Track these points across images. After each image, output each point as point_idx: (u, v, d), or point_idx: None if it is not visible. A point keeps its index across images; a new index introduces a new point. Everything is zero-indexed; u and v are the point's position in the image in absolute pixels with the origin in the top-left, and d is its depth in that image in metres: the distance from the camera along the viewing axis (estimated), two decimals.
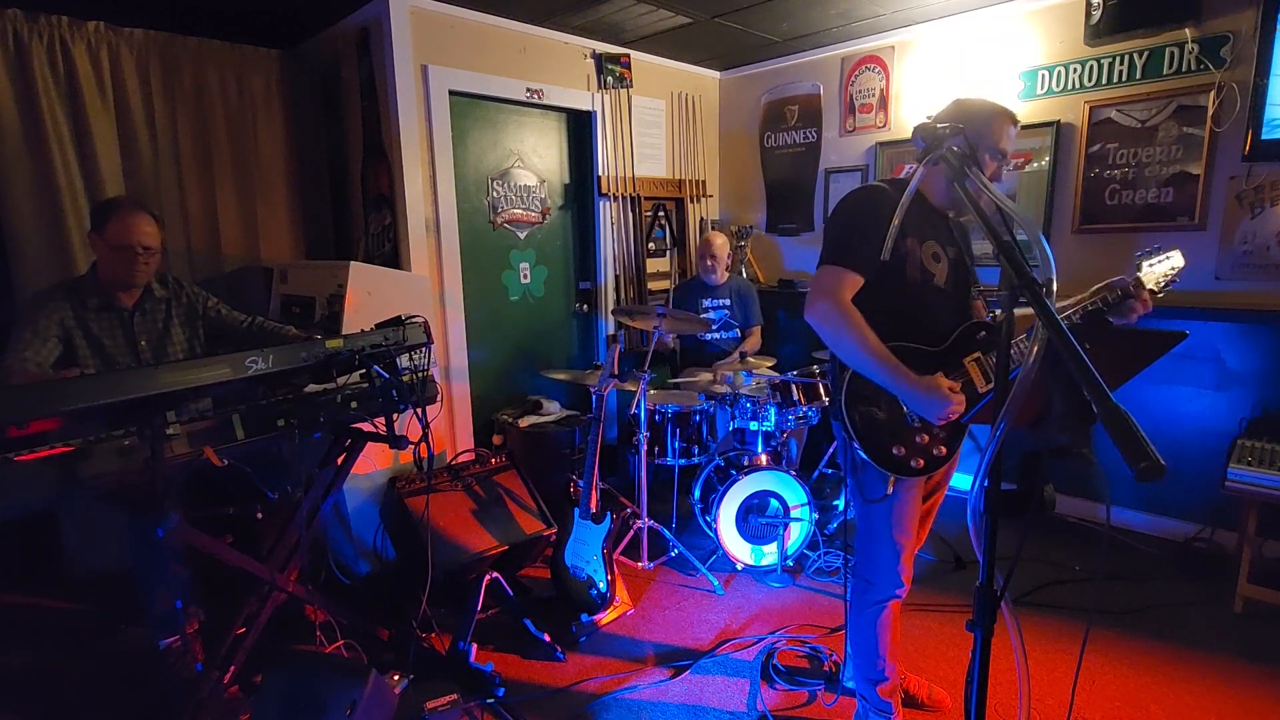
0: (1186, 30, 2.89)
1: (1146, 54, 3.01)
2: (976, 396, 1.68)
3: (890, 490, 1.72)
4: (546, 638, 2.42)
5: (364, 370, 1.90)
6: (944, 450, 1.70)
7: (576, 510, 2.64)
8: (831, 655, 2.34)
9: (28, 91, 2.74)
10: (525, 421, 3.57)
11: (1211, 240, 2.96)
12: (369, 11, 3.18)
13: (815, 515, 2.92)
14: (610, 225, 4.09)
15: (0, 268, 2.81)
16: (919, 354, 1.66)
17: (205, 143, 3.27)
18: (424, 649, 2.34)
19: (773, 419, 2.99)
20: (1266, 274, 2.86)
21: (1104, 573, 2.90)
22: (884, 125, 3.91)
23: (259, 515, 2.21)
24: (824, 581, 2.87)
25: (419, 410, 1.95)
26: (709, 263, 3.66)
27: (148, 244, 2.15)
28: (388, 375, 1.89)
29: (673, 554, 3.02)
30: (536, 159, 3.87)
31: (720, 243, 3.68)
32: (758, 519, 2.90)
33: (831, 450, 3.37)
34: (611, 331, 4.20)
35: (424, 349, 2.03)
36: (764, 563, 2.91)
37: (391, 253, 3.35)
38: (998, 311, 1.14)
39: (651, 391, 3.18)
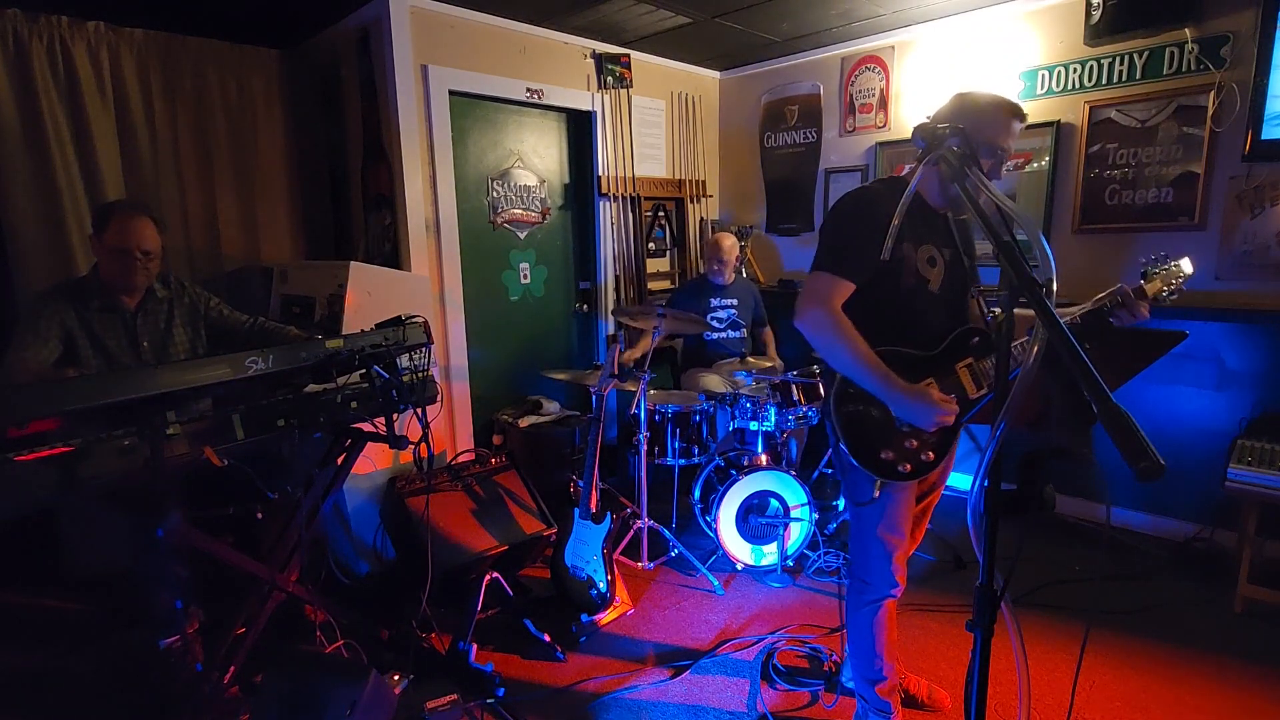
0: (1186, 30, 2.89)
1: (1146, 54, 3.01)
2: (968, 403, 1.69)
3: (877, 494, 1.72)
4: (546, 638, 2.42)
5: (364, 370, 1.90)
6: (932, 455, 1.70)
7: (576, 510, 2.64)
8: (831, 655, 2.34)
9: (28, 91, 2.74)
10: (525, 421, 3.57)
11: (1211, 240, 2.96)
12: (369, 11, 3.18)
13: (815, 515, 2.92)
14: (610, 225, 4.09)
15: (0, 268, 2.81)
16: (910, 359, 1.67)
17: (205, 143, 3.27)
18: (424, 649, 2.33)
19: (773, 419, 2.99)
20: (1266, 274, 2.86)
21: (1104, 573, 2.90)
22: (884, 125, 3.91)
23: (259, 515, 2.21)
24: (824, 581, 2.87)
25: (419, 410, 1.95)
26: (717, 265, 3.66)
27: (147, 248, 2.15)
28: (388, 375, 1.89)
29: (673, 554, 3.02)
30: (536, 159, 3.87)
31: (729, 244, 3.69)
32: (758, 519, 2.90)
33: (831, 450, 3.37)
34: (611, 331, 4.20)
35: (424, 349, 2.03)
36: (764, 563, 2.91)
37: (391, 253, 3.35)
38: (997, 311, 1.15)
39: (651, 391, 3.18)
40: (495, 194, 3.71)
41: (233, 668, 1.94)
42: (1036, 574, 2.82)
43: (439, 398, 2.17)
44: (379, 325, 1.96)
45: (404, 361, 1.99)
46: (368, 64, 3.27)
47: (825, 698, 2.17)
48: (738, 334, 3.75)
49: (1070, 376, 0.91)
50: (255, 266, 3.40)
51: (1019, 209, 1.18)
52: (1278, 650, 2.34)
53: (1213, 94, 2.87)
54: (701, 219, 4.62)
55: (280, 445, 1.86)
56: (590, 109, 3.93)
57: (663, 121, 4.33)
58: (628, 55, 3.97)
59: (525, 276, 3.92)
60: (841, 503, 3.35)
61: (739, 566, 2.92)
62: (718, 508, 2.84)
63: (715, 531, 2.87)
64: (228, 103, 3.31)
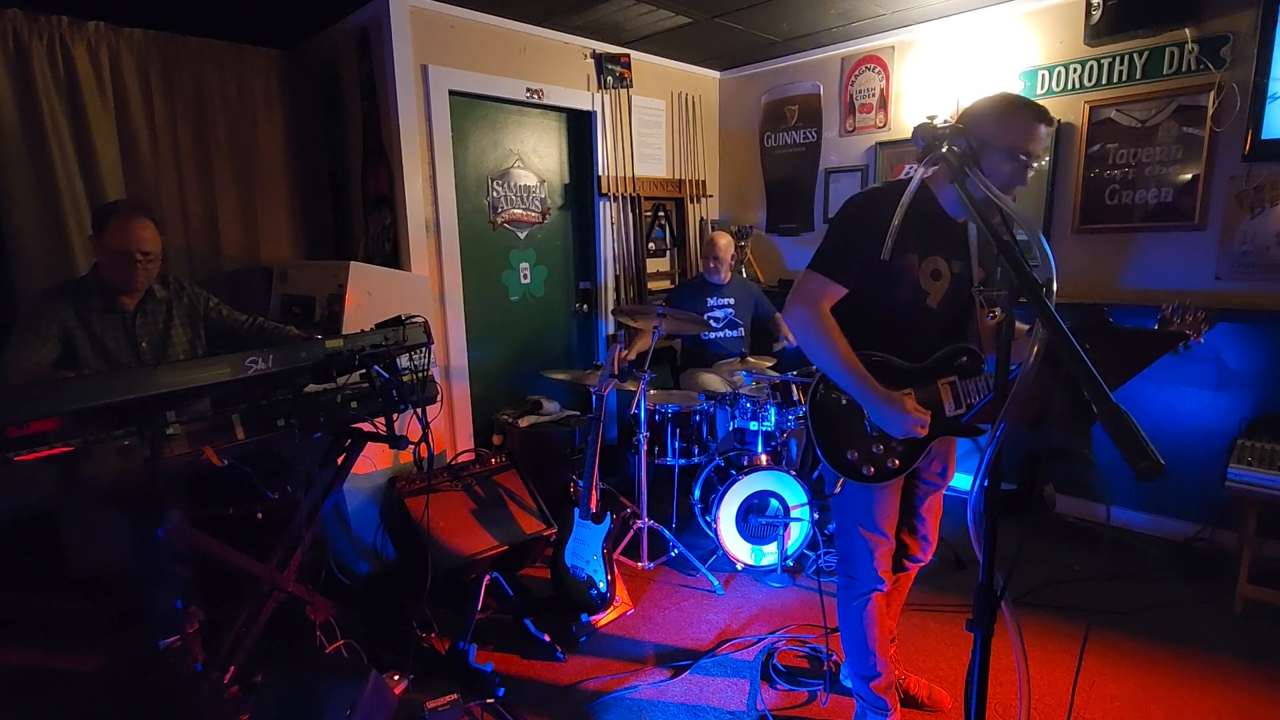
0: (1186, 30, 2.89)
1: (1146, 54, 3.01)
2: (943, 419, 1.69)
3: (837, 489, 1.75)
4: (546, 638, 2.42)
5: (364, 370, 1.90)
6: (898, 463, 1.71)
7: (576, 510, 2.64)
8: (831, 655, 2.33)
9: (28, 91, 2.75)
10: (525, 421, 3.57)
11: (1211, 240, 2.96)
12: (369, 11, 3.18)
13: (815, 515, 2.92)
14: (610, 225, 4.09)
15: (0, 268, 2.81)
16: (894, 368, 1.68)
17: (205, 143, 3.27)
18: (424, 649, 2.33)
19: (773, 419, 2.99)
20: (1266, 274, 2.86)
21: (1104, 573, 2.90)
22: (884, 125, 3.91)
23: (259, 515, 2.21)
24: (824, 581, 2.86)
25: (419, 410, 1.95)
26: (713, 263, 3.67)
27: (146, 249, 2.15)
28: (388, 375, 1.89)
29: (673, 554, 3.02)
30: (536, 159, 3.87)
31: (724, 243, 3.69)
32: (758, 519, 2.90)
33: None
34: (611, 331, 4.20)
35: (424, 349, 2.03)
36: (764, 563, 2.91)
37: (391, 253, 3.35)
38: (997, 311, 1.15)
39: (651, 391, 3.18)
40: (495, 194, 3.71)
41: (233, 668, 1.94)
42: (1036, 574, 2.82)
43: (439, 398, 2.17)
44: (379, 325, 1.96)
45: (404, 361, 1.99)
46: (368, 64, 3.27)
47: (825, 697, 2.17)
48: (735, 333, 3.74)
49: (1070, 376, 0.91)
50: (255, 266, 3.40)
51: (1019, 209, 1.18)
52: (1278, 650, 2.34)
53: (1213, 94, 2.86)
54: (701, 219, 4.62)
55: (280, 445, 1.86)
56: (590, 109, 3.93)
57: (663, 121, 4.33)
58: (628, 55, 3.97)
59: (525, 276, 3.92)
60: None
61: (739, 566, 2.92)
62: (718, 508, 2.84)
63: (715, 531, 2.87)
64: (228, 103, 3.31)
